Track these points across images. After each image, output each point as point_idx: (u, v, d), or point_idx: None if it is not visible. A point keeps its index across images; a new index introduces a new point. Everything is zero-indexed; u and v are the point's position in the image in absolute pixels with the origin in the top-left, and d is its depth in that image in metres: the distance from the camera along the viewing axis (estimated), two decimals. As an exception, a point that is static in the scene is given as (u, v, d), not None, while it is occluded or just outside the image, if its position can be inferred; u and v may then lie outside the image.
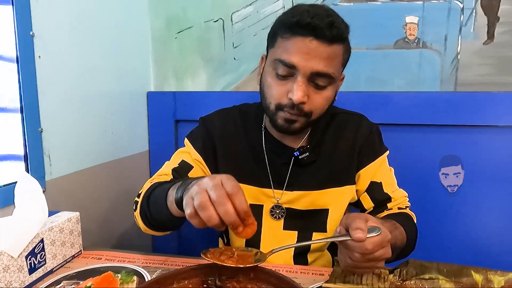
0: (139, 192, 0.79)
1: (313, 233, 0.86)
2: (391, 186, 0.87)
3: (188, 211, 0.53)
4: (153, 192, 0.73)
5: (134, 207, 0.79)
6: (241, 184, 0.82)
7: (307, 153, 0.82)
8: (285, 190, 0.84)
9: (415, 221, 0.86)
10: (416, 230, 0.83)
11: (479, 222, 1.21)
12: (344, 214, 0.87)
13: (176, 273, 0.55)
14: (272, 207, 0.85)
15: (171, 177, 0.82)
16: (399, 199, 0.87)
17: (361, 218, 0.59)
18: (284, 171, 0.84)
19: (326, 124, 0.87)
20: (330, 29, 0.69)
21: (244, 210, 0.52)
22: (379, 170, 0.86)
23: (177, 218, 0.66)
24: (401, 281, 0.65)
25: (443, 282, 0.64)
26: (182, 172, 0.83)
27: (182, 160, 0.85)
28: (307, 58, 0.70)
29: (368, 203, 0.87)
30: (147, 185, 0.78)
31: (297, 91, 0.71)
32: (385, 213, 0.85)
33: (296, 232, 0.86)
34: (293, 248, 0.86)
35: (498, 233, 1.20)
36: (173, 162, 0.86)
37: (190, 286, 0.54)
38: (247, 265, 0.54)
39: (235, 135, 0.87)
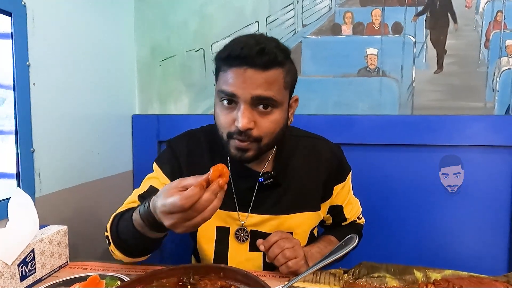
0: (106, 226, 0.83)
1: None
2: (350, 206, 0.99)
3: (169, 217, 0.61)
4: (119, 223, 0.78)
5: (107, 242, 0.82)
6: None
7: (271, 180, 0.85)
8: (250, 213, 0.87)
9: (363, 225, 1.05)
10: (359, 232, 1.02)
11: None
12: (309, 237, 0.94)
13: (156, 273, 0.62)
14: (237, 230, 0.88)
15: (138, 203, 0.84)
16: (352, 218, 1.01)
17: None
18: (249, 195, 0.87)
19: (291, 148, 0.90)
20: (261, 57, 0.72)
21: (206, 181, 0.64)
22: (342, 193, 0.95)
23: (150, 239, 0.73)
24: (354, 280, 0.74)
25: (389, 280, 0.74)
26: (148, 197, 0.79)
27: (150, 185, 0.88)
28: (244, 86, 0.73)
29: (328, 220, 1.00)
30: (111, 219, 0.82)
31: (241, 118, 0.73)
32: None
33: (262, 253, 0.87)
34: (262, 257, 0.89)
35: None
36: (141, 188, 0.89)
37: (167, 284, 0.62)
38: None
39: (201, 159, 0.89)
